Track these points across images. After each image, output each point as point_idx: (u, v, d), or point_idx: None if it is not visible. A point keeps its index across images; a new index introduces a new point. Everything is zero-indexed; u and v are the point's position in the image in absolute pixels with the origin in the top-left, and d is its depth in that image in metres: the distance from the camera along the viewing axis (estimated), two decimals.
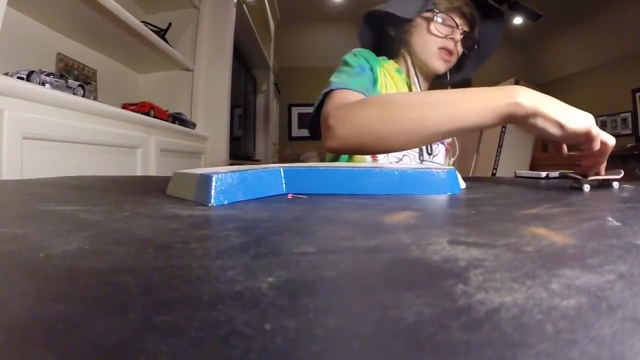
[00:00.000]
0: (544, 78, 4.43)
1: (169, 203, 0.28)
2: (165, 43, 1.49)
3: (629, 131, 3.61)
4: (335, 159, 0.78)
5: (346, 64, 0.72)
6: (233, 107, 2.14)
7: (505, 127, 2.96)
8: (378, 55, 0.81)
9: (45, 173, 0.71)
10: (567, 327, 0.07)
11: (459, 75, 0.87)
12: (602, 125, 3.81)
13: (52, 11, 1.09)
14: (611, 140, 0.44)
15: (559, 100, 0.45)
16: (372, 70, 0.73)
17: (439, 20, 0.73)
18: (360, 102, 0.56)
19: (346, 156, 0.75)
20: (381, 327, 0.07)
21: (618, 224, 0.20)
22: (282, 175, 0.34)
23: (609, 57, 3.71)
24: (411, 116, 0.50)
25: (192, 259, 0.13)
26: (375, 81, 0.73)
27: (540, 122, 0.44)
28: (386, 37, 0.82)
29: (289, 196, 0.32)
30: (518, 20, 3.98)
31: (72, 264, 0.13)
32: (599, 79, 3.84)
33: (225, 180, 0.28)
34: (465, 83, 0.86)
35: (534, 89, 0.47)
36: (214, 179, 0.28)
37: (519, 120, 0.46)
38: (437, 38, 0.74)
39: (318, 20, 4.52)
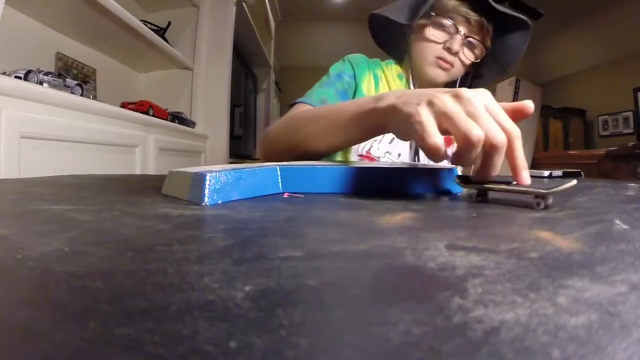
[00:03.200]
0: (545, 77, 4.41)
1: (161, 202, 0.27)
2: (164, 42, 1.49)
3: (630, 130, 3.59)
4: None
5: (328, 72, 0.75)
6: (233, 106, 2.14)
7: None
8: (393, 55, 0.79)
9: (43, 172, 0.71)
10: (576, 351, 0.06)
11: (479, 84, 0.80)
12: (604, 124, 3.79)
13: (52, 10, 1.09)
14: (470, 132, 0.28)
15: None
16: (354, 77, 0.73)
17: (436, 24, 0.68)
18: (282, 120, 0.64)
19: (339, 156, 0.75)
20: (361, 350, 0.06)
21: (626, 227, 0.19)
22: (279, 174, 0.33)
23: (610, 56, 3.69)
24: (304, 130, 0.54)
25: (170, 263, 0.12)
26: (356, 87, 0.73)
27: (394, 122, 0.36)
28: (392, 40, 0.78)
29: (285, 195, 0.31)
30: None
31: (47, 267, 0.13)
32: (601, 78, 3.82)
33: (219, 179, 0.28)
34: None
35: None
36: (207, 177, 0.27)
37: (384, 126, 0.40)
38: (435, 45, 0.69)
39: (319, 18, 4.52)
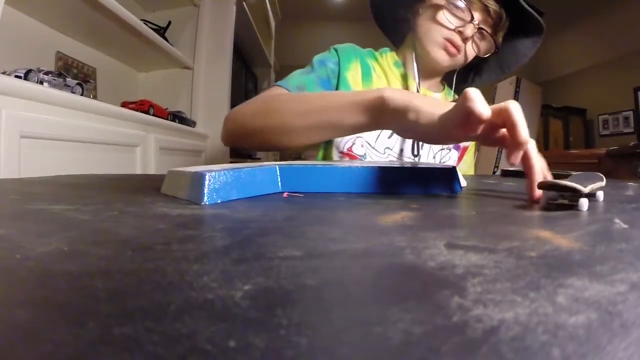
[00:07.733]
0: (546, 76, 4.41)
1: (161, 202, 0.27)
2: (165, 41, 1.48)
3: (630, 129, 3.58)
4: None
5: (312, 60, 0.71)
6: (234, 105, 2.13)
7: None
8: (392, 38, 0.77)
9: (43, 172, 0.71)
10: (576, 350, 0.06)
11: (478, 82, 0.78)
12: (604, 124, 3.78)
13: (51, 10, 1.08)
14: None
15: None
16: (338, 64, 0.69)
17: (451, 7, 0.63)
18: (253, 99, 0.59)
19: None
20: (360, 349, 0.06)
21: (625, 226, 0.19)
22: (278, 174, 0.33)
23: (610, 55, 3.69)
24: (280, 118, 0.51)
25: (169, 262, 0.12)
26: (340, 74, 0.68)
27: (412, 116, 0.40)
28: (395, 19, 0.73)
29: (284, 195, 0.31)
30: None
31: (46, 267, 0.13)
32: (601, 77, 3.81)
33: (218, 178, 0.28)
34: None
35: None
36: (206, 177, 0.27)
37: (388, 116, 0.43)
38: (445, 27, 0.64)
39: (319, 18, 4.51)
